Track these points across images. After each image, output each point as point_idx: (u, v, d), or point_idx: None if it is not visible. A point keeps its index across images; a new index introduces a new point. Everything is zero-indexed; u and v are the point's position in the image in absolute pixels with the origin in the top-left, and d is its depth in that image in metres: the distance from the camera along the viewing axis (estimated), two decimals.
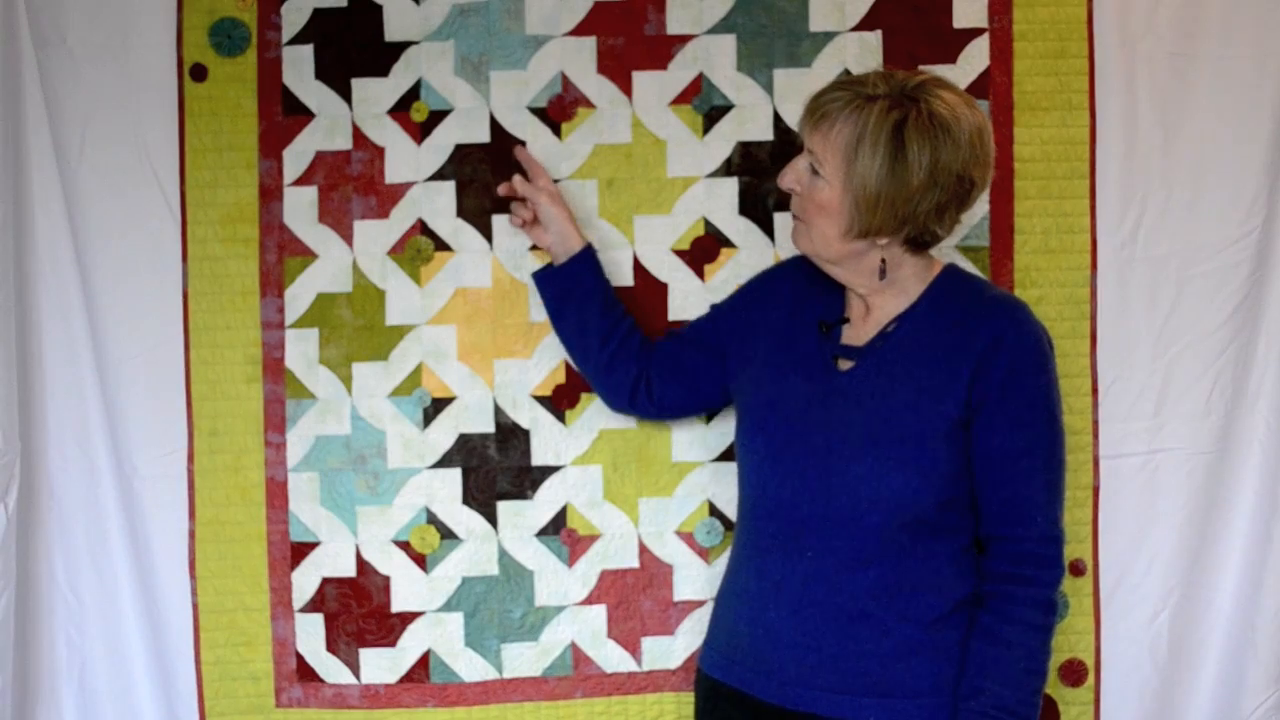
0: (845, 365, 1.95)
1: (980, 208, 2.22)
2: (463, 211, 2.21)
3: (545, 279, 2.17)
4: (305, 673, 2.24)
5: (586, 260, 2.14)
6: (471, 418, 2.22)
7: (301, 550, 2.23)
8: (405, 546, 2.22)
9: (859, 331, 1.97)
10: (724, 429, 2.23)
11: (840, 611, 1.90)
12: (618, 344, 2.13)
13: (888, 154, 1.81)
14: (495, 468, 2.23)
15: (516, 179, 2.16)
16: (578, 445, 2.23)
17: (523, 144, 2.20)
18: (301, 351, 2.22)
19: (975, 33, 2.21)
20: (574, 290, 2.14)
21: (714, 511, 2.25)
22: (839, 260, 1.93)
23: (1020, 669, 1.86)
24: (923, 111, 1.81)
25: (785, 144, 2.20)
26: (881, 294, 1.95)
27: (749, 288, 2.15)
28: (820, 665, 1.90)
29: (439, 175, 2.21)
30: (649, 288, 2.23)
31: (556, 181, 2.21)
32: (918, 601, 1.89)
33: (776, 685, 1.93)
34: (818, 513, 1.90)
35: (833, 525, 1.90)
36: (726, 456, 2.23)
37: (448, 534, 2.23)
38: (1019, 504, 1.89)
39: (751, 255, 2.22)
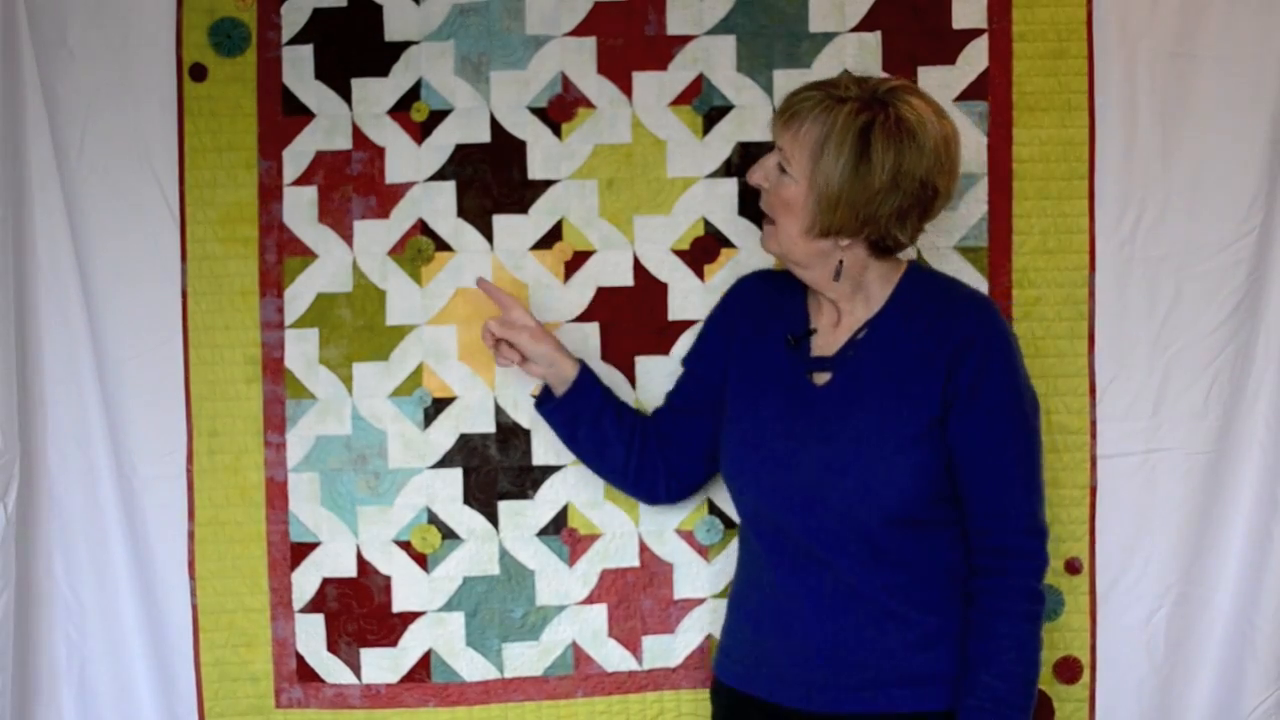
0: (821, 379, 1.97)
1: (979, 208, 2.23)
2: (463, 211, 2.21)
3: (551, 412, 2.15)
4: (305, 673, 2.24)
5: (586, 383, 2.12)
6: (472, 417, 2.22)
7: (302, 550, 2.23)
8: (406, 546, 2.22)
9: (828, 340, 1.99)
10: None
11: (864, 613, 1.92)
12: (640, 446, 2.12)
13: (852, 154, 1.84)
14: (496, 467, 2.23)
15: (492, 324, 2.11)
16: None
17: (524, 142, 2.20)
18: (301, 351, 2.22)
19: (975, 33, 2.21)
20: (582, 414, 2.13)
21: (714, 510, 2.25)
22: (805, 262, 1.94)
23: (1011, 659, 1.89)
24: (890, 116, 1.84)
25: None
26: (850, 300, 1.97)
27: (710, 328, 2.15)
28: (850, 667, 1.93)
29: (439, 175, 2.21)
30: (649, 288, 2.23)
31: (556, 182, 2.21)
32: (933, 592, 1.92)
33: (803, 691, 1.95)
34: (817, 525, 1.92)
35: (835, 534, 1.92)
36: None
37: (449, 534, 2.23)
38: (997, 499, 1.92)
39: (751, 255, 2.22)
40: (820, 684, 1.94)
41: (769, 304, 2.07)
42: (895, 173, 1.84)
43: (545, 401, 2.15)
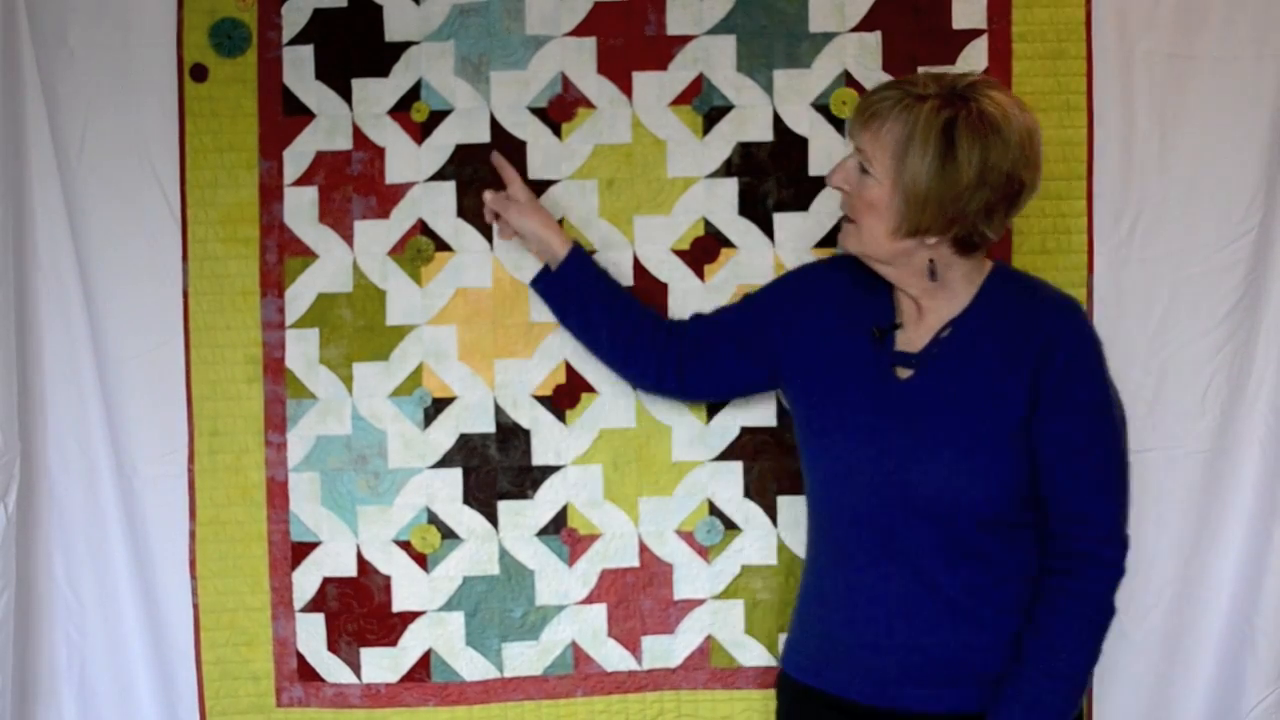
0: (904, 374, 1.94)
1: None
2: (463, 212, 2.21)
3: (541, 285, 2.18)
4: (306, 672, 2.24)
5: (576, 262, 2.13)
6: (472, 418, 2.22)
7: (302, 550, 2.23)
8: (406, 546, 2.23)
9: (913, 336, 1.96)
10: (724, 428, 2.24)
11: (940, 610, 1.90)
12: (628, 338, 2.12)
13: (938, 152, 1.80)
14: (496, 467, 2.23)
15: (487, 195, 2.16)
16: (578, 445, 2.24)
17: (524, 142, 2.21)
18: (302, 351, 2.22)
19: (974, 33, 2.22)
20: (571, 294, 2.15)
21: (714, 510, 2.25)
22: (888, 259, 1.91)
23: (1064, 661, 1.86)
24: (973, 110, 1.81)
25: (785, 144, 2.21)
26: (934, 296, 1.94)
27: (789, 284, 2.12)
28: (925, 663, 1.91)
29: (439, 175, 2.21)
30: (649, 288, 2.23)
31: (556, 182, 2.21)
32: (1011, 593, 1.89)
33: (876, 686, 1.93)
34: (901, 520, 1.90)
35: (918, 530, 1.89)
36: (726, 455, 2.24)
37: (448, 534, 2.23)
38: (1079, 503, 1.87)
39: (751, 255, 2.23)
40: (892, 679, 1.92)
41: (854, 293, 2.02)
42: (982, 168, 1.81)
43: (540, 279, 2.17)
